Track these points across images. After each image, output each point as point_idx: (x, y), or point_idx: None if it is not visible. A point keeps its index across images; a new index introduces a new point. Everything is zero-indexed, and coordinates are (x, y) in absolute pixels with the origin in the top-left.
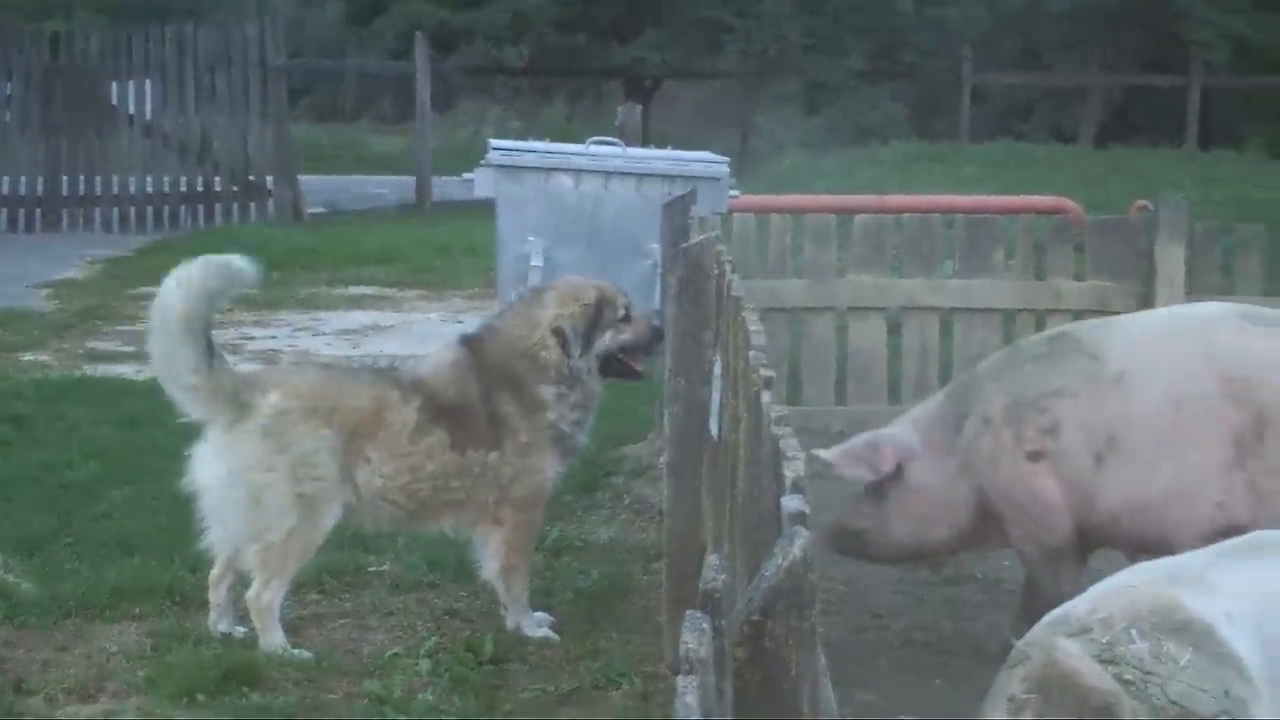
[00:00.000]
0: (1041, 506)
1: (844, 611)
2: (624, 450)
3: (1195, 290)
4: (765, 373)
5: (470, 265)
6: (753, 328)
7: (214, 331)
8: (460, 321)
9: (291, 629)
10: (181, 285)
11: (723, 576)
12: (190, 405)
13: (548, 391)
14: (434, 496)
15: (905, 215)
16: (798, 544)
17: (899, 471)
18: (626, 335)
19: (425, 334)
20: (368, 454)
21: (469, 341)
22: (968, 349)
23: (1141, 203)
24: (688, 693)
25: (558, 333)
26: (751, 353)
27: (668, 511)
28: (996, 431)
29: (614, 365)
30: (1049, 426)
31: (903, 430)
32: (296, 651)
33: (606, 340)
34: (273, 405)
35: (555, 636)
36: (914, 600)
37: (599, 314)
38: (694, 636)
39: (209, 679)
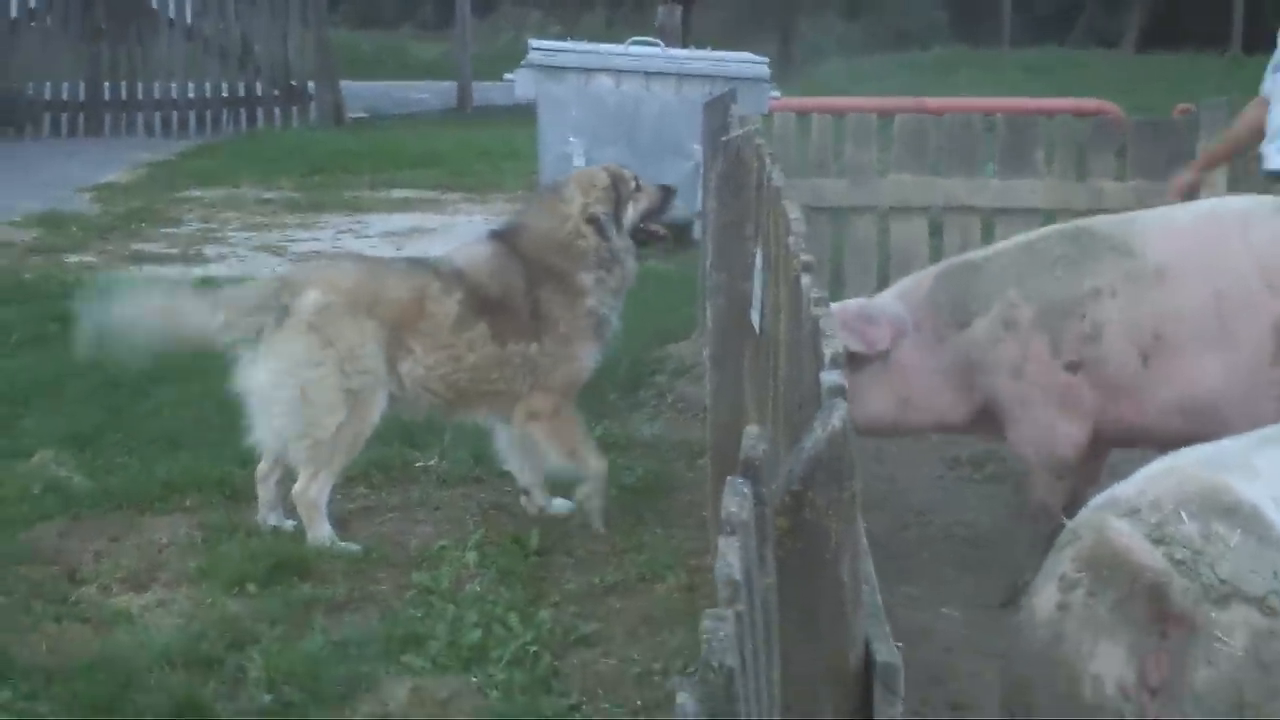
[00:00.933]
0: (1067, 418)
1: (886, 508)
2: (667, 349)
3: (1236, 191)
4: (805, 258)
5: (512, 168)
6: (793, 215)
7: (257, 235)
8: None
9: (340, 523)
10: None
11: (763, 445)
12: (225, 335)
13: (588, 278)
14: (474, 387)
15: (946, 116)
16: (837, 415)
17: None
18: (643, 203)
19: (469, 236)
20: (410, 345)
21: (501, 236)
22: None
23: (1184, 107)
24: (730, 553)
25: (593, 220)
26: (791, 239)
27: (711, 404)
28: (1025, 339)
29: (639, 234)
30: (1090, 333)
31: (895, 305)
32: (344, 544)
33: (630, 214)
34: (313, 302)
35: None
36: (955, 496)
37: (618, 192)
38: (735, 500)
39: (259, 569)
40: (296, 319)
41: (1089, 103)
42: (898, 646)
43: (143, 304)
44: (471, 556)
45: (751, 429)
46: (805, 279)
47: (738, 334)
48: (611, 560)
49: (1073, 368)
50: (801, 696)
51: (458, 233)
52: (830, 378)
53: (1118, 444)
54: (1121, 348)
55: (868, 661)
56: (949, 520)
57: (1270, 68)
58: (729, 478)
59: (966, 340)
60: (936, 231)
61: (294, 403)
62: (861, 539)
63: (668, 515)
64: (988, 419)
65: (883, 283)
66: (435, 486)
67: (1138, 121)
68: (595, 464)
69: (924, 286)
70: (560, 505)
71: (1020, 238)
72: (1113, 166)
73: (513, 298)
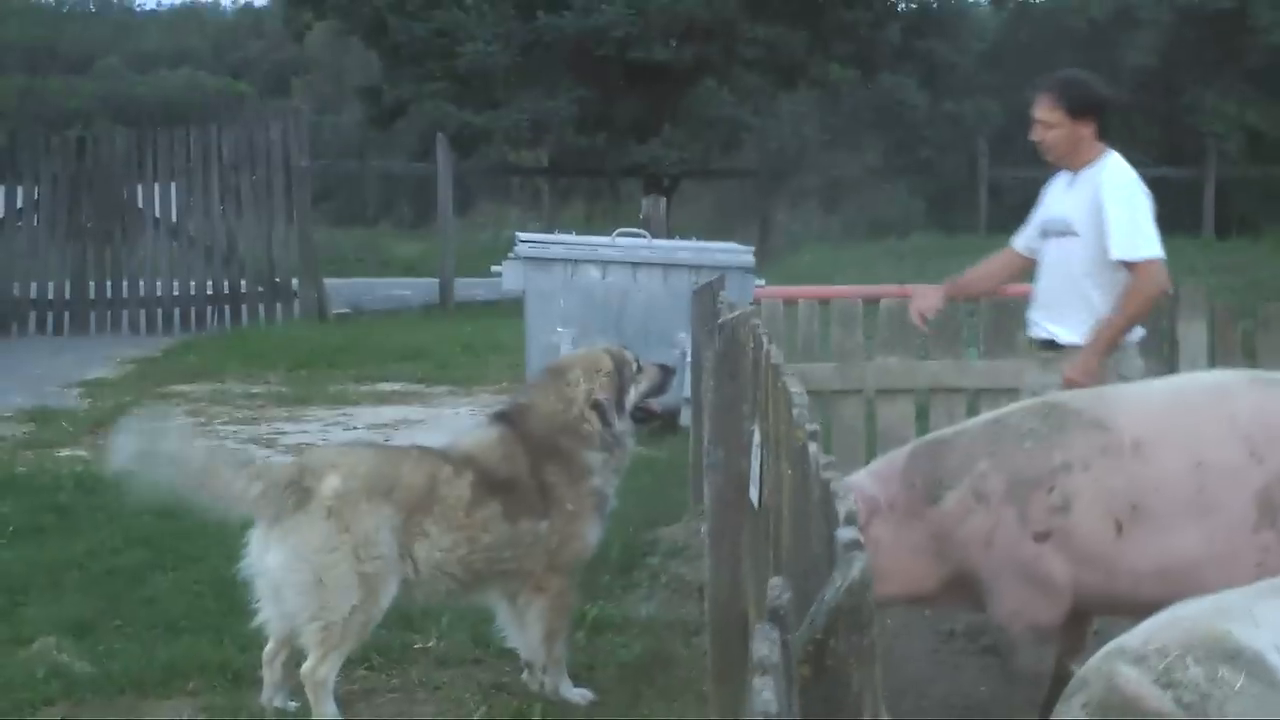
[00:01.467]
0: (1042, 587)
1: (886, 679)
2: (659, 532)
3: (1216, 367)
4: (810, 427)
5: (496, 361)
6: (794, 390)
7: (245, 428)
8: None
9: (342, 704)
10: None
11: (787, 595)
12: (256, 508)
13: (593, 459)
14: (488, 567)
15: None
16: (856, 566)
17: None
18: (644, 384)
19: (455, 428)
20: (426, 528)
21: (506, 418)
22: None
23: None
24: (764, 689)
25: (597, 406)
26: (795, 410)
27: (710, 580)
28: (995, 511)
29: (639, 415)
30: (1059, 504)
31: (868, 483)
32: None
33: (631, 396)
34: (333, 488)
35: (593, 697)
36: (950, 668)
37: (622, 377)
38: (765, 645)
39: None
40: (317, 503)
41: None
42: None
43: (187, 456)
44: None
45: (775, 581)
46: (812, 447)
47: (736, 511)
48: None
49: (1041, 537)
50: None
51: (444, 424)
52: (846, 533)
53: (1097, 612)
54: (1093, 519)
55: None
56: (946, 691)
57: (1033, 225)
58: (758, 625)
59: (939, 514)
60: (923, 413)
61: (308, 585)
62: (880, 685)
63: (667, 691)
64: (960, 590)
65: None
66: (435, 668)
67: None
68: (560, 654)
69: (897, 465)
70: (576, 694)
71: (990, 414)
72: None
73: (520, 476)
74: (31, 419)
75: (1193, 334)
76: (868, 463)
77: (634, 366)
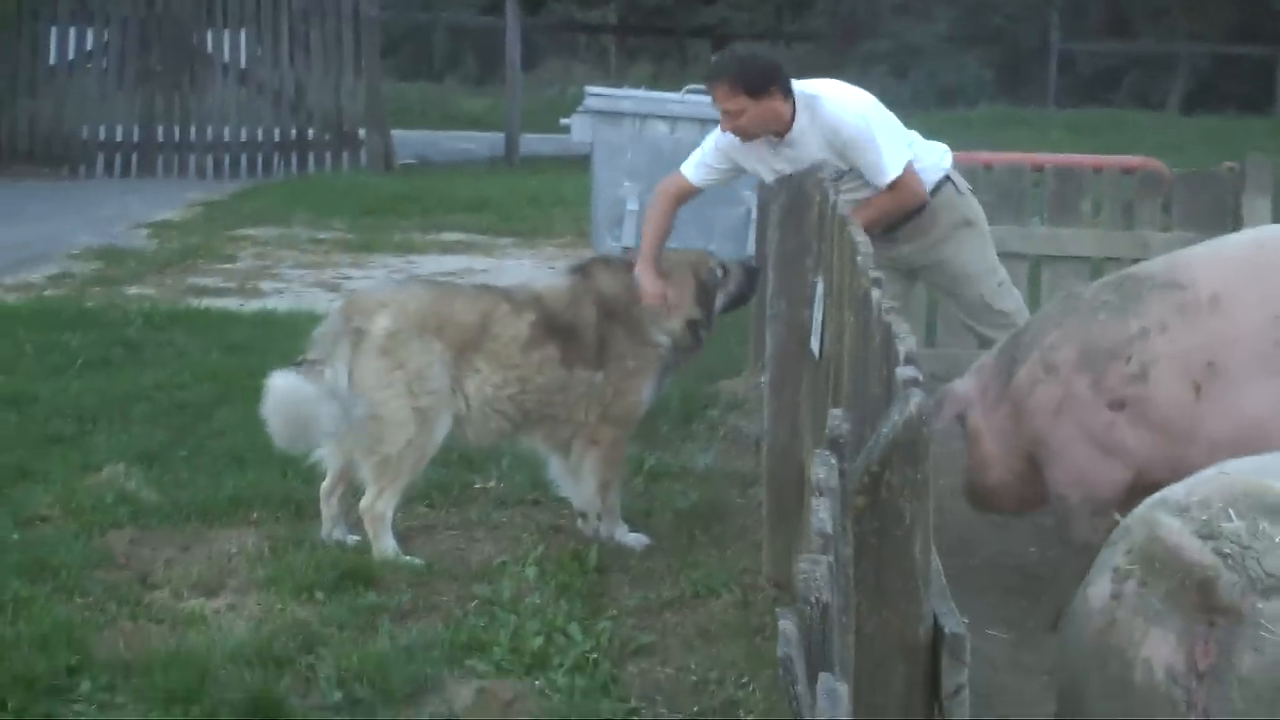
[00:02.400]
0: (1110, 456)
1: (935, 538)
2: (719, 385)
3: None
4: (874, 273)
5: (561, 214)
6: (859, 239)
7: (311, 272)
8: (553, 268)
9: (402, 539)
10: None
11: (846, 425)
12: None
13: (663, 340)
14: (539, 409)
15: (995, 167)
16: (913, 401)
17: (962, 421)
18: (731, 287)
19: (520, 277)
20: (477, 365)
21: (583, 271)
22: (1055, 296)
23: (1228, 164)
24: (821, 509)
25: (692, 324)
26: (859, 258)
27: (768, 428)
28: (1065, 380)
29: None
30: (1137, 372)
31: (961, 381)
32: (408, 558)
33: (719, 304)
34: (384, 326)
35: (649, 542)
36: (999, 528)
37: (709, 287)
38: (823, 469)
39: (326, 578)
40: (370, 342)
41: (1135, 159)
42: (964, 622)
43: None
44: (531, 571)
45: (836, 411)
46: (875, 293)
47: (796, 361)
48: (667, 577)
49: (1116, 405)
50: (874, 664)
51: (509, 275)
52: (905, 371)
53: (1166, 483)
54: (1170, 383)
55: (936, 634)
56: (994, 550)
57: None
58: (817, 450)
59: (1012, 389)
60: None
61: (365, 420)
62: (931, 519)
63: (721, 538)
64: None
65: (930, 327)
66: (494, 507)
67: (1182, 174)
68: (614, 502)
69: (991, 354)
70: (632, 539)
71: (1064, 293)
72: (1158, 218)
73: (584, 328)
74: (99, 257)
75: (1258, 208)
76: (927, 326)
77: (720, 271)
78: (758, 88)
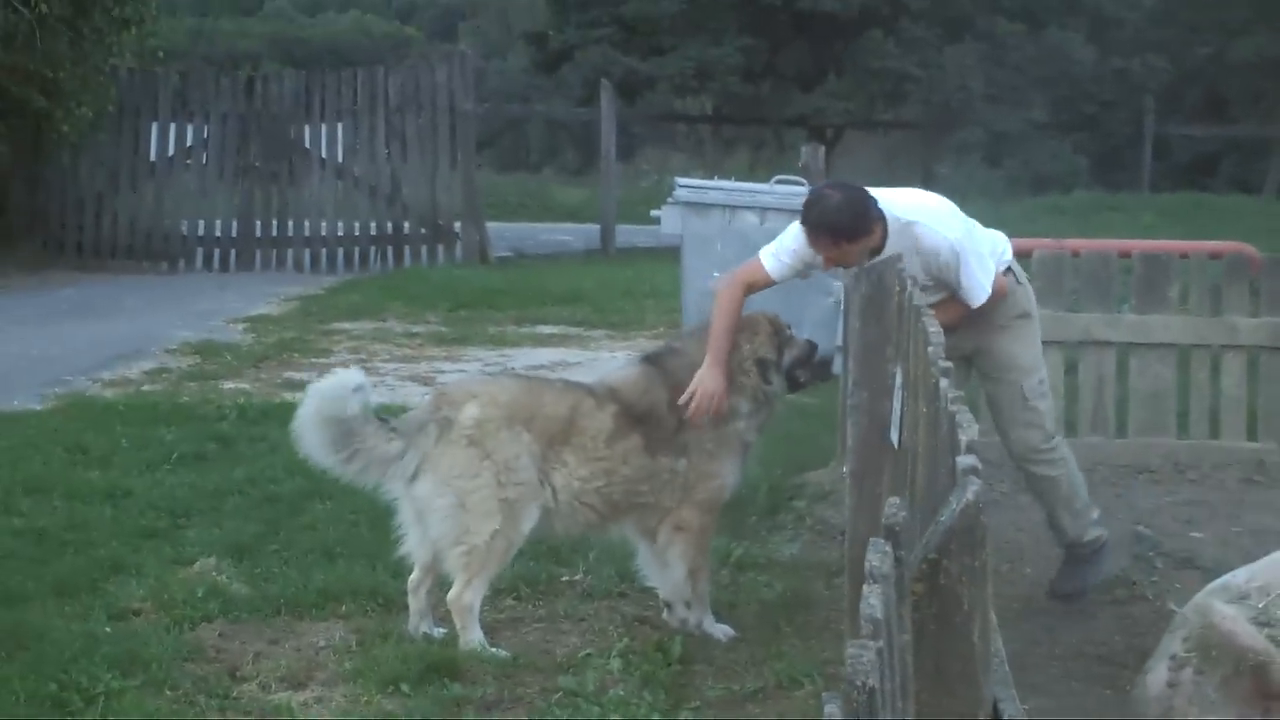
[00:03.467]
0: None
1: (1020, 627)
2: (805, 476)
3: None
4: (944, 364)
5: (654, 306)
6: (932, 330)
7: (405, 366)
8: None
9: (489, 631)
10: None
11: (903, 513)
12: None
13: (741, 407)
14: (626, 499)
15: (1083, 252)
16: (971, 490)
17: None
18: (794, 351)
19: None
20: (565, 458)
21: (653, 360)
22: (1143, 384)
23: None
24: (872, 596)
25: (760, 362)
26: (931, 349)
27: (850, 518)
28: None
29: (789, 380)
30: None
31: None
32: (494, 650)
33: (785, 360)
34: (473, 416)
35: (734, 633)
36: (1087, 616)
37: (779, 339)
38: (877, 556)
39: (412, 671)
40: (457, 432)
41: (1225, 244)
42: (1025, 709)
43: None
44: (616, 663)
45: (893, 500)
46: (944, 382)
47: (878, 451)
48: (751, 669)
49: None
50: None
51: (601, 367)
52: (965, 460)
53: None
54: None
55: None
56: (1079, 639)
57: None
58: (872, 539)
59: None
60: (1072, 367)
61: (451, 511)
62: (990, 605)
63: (805, 629)
64: None
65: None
66: (580, 600)
67: (1270, 258)
68: (703, 590)
69: None
70: (719, 630)
71: None
72: (1248, 303)
73: (660, 414)
74: (196, 352)
75: None
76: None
77: (787, 332)
78: (857, 233)
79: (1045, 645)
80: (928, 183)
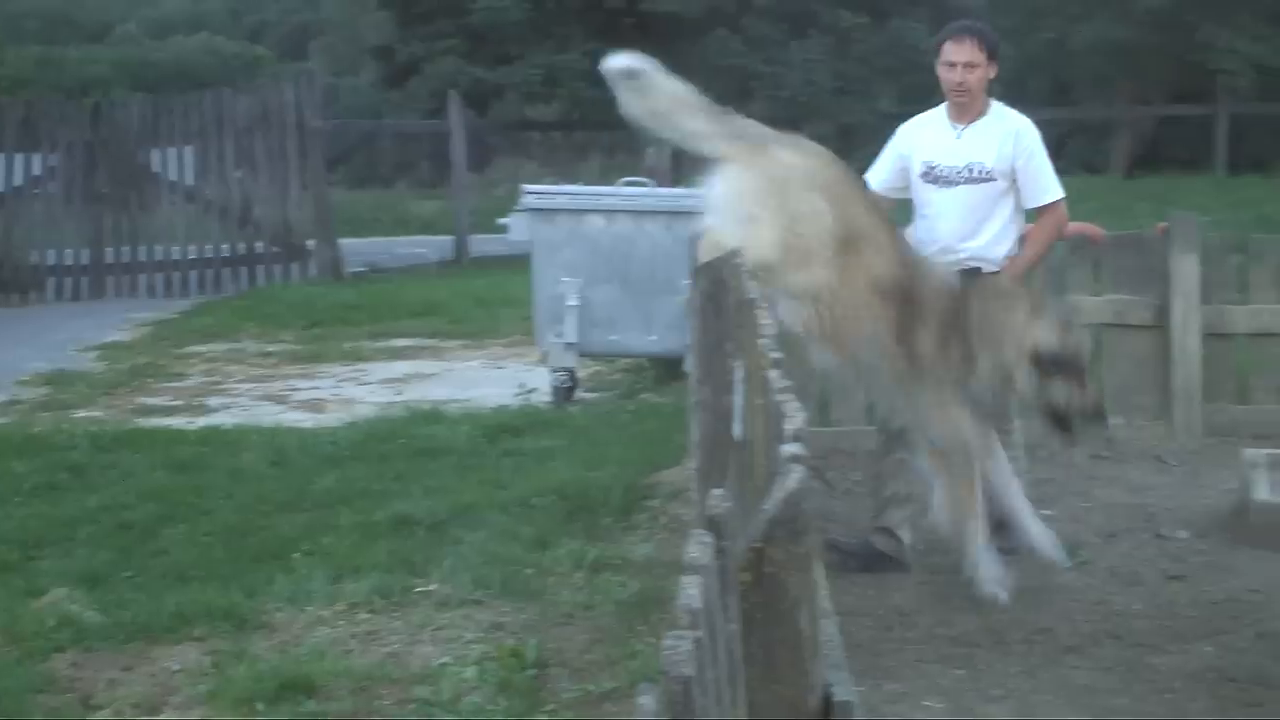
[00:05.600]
0: None
1: (871, 613)
2: (660, 475)
3: (1210, 300)
4: (774, 355)
5: (508, 314)
6: (764, 322)
7: (259, 385)
8: (501, 367)
9: (342, 646)
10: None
11: (727, 504)
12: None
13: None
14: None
15: None
16: (793, 478)
17: None
18: (1082, 399)
19: (467, 380)
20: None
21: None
22: None
23: (1163, 225)
24: (690, 586)
25: (1037, 358)
26: (762, 340)
27: (699, 514)
28: None
29: (1059, 419)
30: None
31: None
32: None
33: (1066, 391)
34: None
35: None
36: (939, 600)
37: (1076, 360)
38: (697, 548)
39: (267, 690)
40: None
41: (1072, 225)
42: (856, 690)
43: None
44: (471, 671)
45: (716, 491)
46: (772, 373)
47: (723, 448)
48: (607, 670)
49: None
50: None
51: (457, 377)
52: (788, 448)
53: None
54: None
55: (828, 705)
56: (933, 622)
57: (899, 170)
58: (692, 530)
59: None
60: None
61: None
62: (818, 591)
63: (659, 627)
64: None
65: (865, 400)
66: (436, 610)
67: (1112, 237)
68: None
69: None
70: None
71: None
72: (1090, 282)
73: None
74: (48, 382)
75: (1185, 266)
76: (868, 404)
77: (1084, 371)
78: (995, 50)
79: (899, 630)
80: None
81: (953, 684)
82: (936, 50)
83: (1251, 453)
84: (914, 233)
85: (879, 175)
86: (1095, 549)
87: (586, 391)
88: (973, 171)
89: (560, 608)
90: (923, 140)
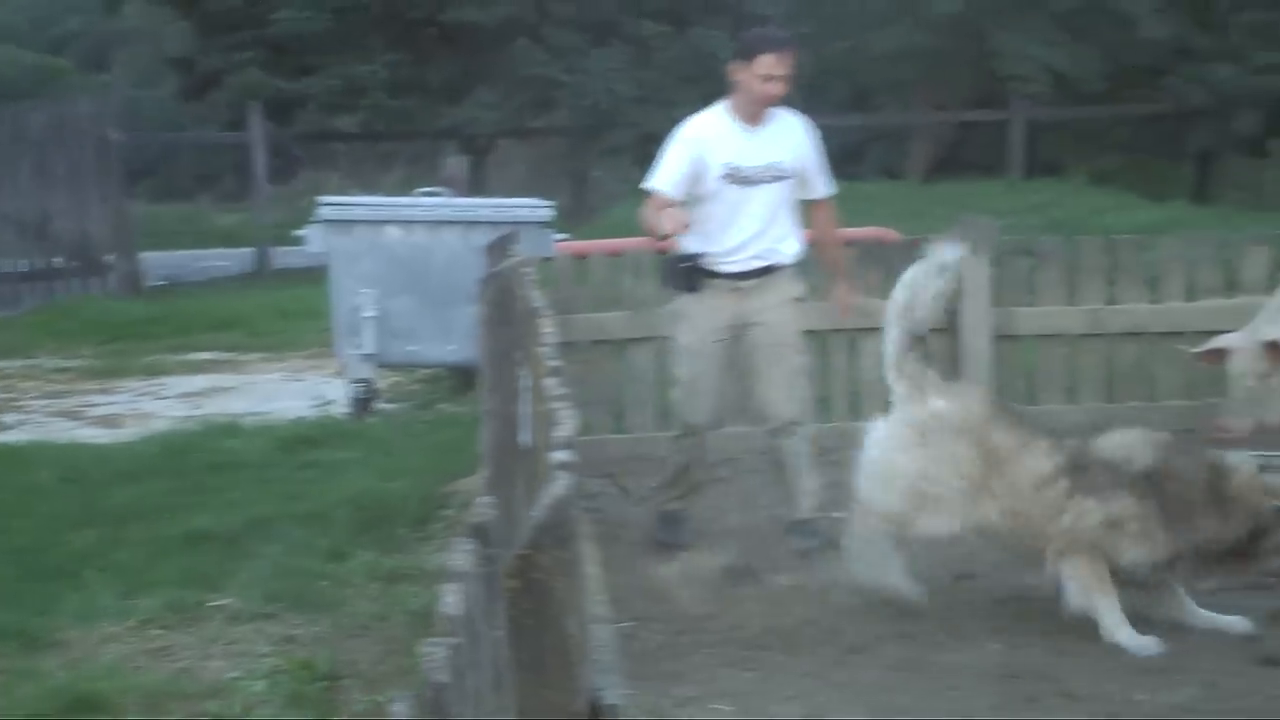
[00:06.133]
0: None
1: (663, 619)
2: (456, 484)
3: (999, 303)
4: (552, 363)
5: (309, 327)
6: (546, 330)
7: (54, 401)
8: (300, 379)
9: (133, 662)
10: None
11: (493, 512)
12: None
13: None
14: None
15: None
16: (560, 485)
17: None
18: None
19: (266, 392)
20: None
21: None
22: None
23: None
24: (450, 595)
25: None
26: (542, 349)
27: (488, 524)
28: None
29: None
30: None
31: None
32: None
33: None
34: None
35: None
36: (732, 604)
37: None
38: (460, 556)
39: (56, 707)
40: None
41: (869, 230)
42: (626, 693)
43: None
44: (261, 685)
45: (484, 498)
46: (547, 380)
47: (511, 455)
48: (398, 679)
49: None
50: None
51: (256, 390)
52: (558, 455)
53: None
54: None
55: (596, 709)
56: (725, 626)
57: (691, 175)
58: (456, 539)
59: None
60: None
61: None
62: (587, 597)
63: None
64: None
65: (660, 407)
66: (228, 624)
67: (905, 241)
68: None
69: None
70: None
71: None
72: (883, 285)
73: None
74: None
75: (975, 269)
76: (657, 407)
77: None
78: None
79: (690, 635)
80: (580, 186)
81: (742, 687)
82: (747, 59)
83: None
84: (706, 234)
85: (673, 181)
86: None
87: (385, 402)
88: (773, 171)
89: (354, 619)
90: (717, 143)
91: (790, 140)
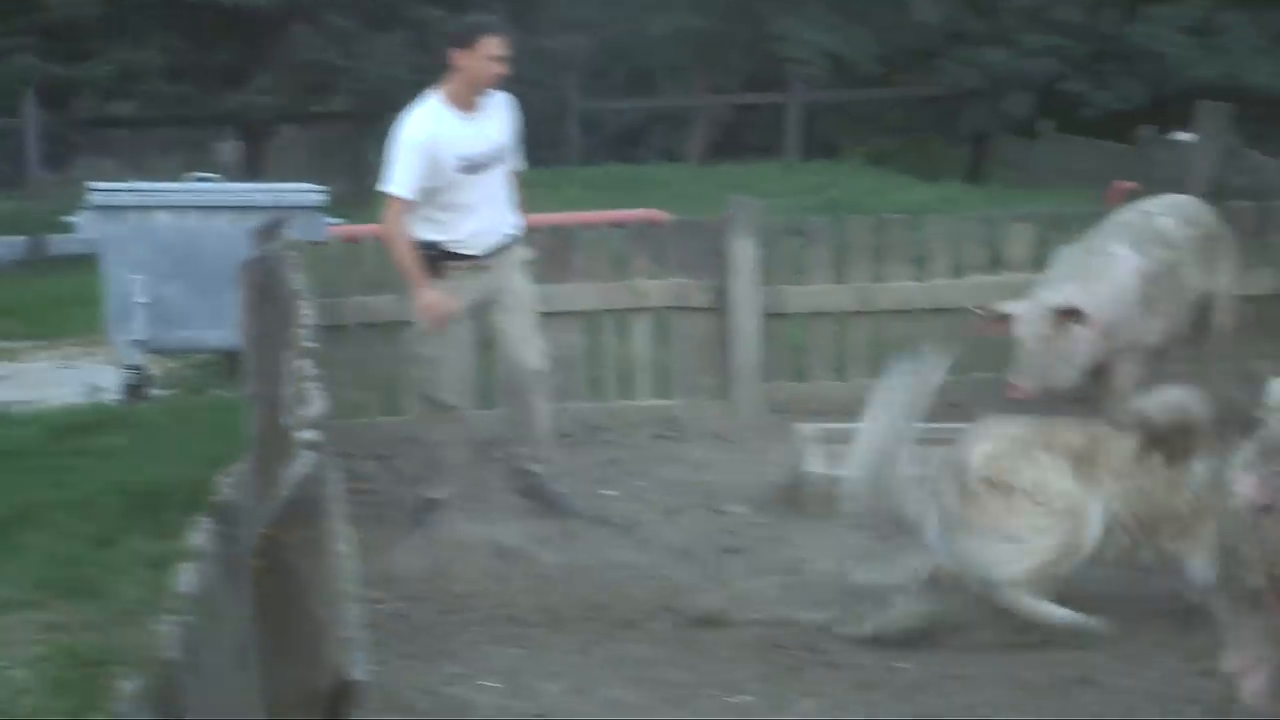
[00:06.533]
0: None
1: (431, 598)
2: (228, 469)
3: (769, 281)
4: (309, 345)
5: (83, 314)
6: (305, 311)
7: None
8: (73, 367)
9: None
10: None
11: (235, 491)
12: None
13: None
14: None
15: None
16: (305, 462)
17: None
18: None
19: (37, 380)
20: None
21: None
22: (558, 350)
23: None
24: (186, 572)
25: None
26: (300, 330)
27: (255, 506)
28: None
29: None
30: None
31: None
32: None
33: None
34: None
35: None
36: (501, 581)
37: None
38: (201, 535)
39: None
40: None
41: (636, 212)
42: (372, 669)
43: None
44: (22, 673)
45: (227, 478)
46: (300, 362)
47: (275, 439)
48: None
49: None
50: (280, 714)
51: (29, 378)
52: (306, 435)
53: None
54: None
55: (343, 685)
56: (492, 604)
57: (428, 169)
58: (197, 516)
59: None
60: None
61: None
62: (336, 575)
63: None
64: None
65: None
66: None
67: (674, 222)
68: None
69: None
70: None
71: None
72: (653, 267)
73: None
74: None
75: (743, 249)
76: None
77: None
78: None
79: (459, 613)
80: (361, 171)
81: (510, 663)
82: (470, 44)
83: (804, 427)
84: (445, 223)
85: (411, 184)
86: (654, 526)
87: (159, 389)
88: (496, 152)
89: (122, 604)
90: (446, 137)
91: (502, 120)
